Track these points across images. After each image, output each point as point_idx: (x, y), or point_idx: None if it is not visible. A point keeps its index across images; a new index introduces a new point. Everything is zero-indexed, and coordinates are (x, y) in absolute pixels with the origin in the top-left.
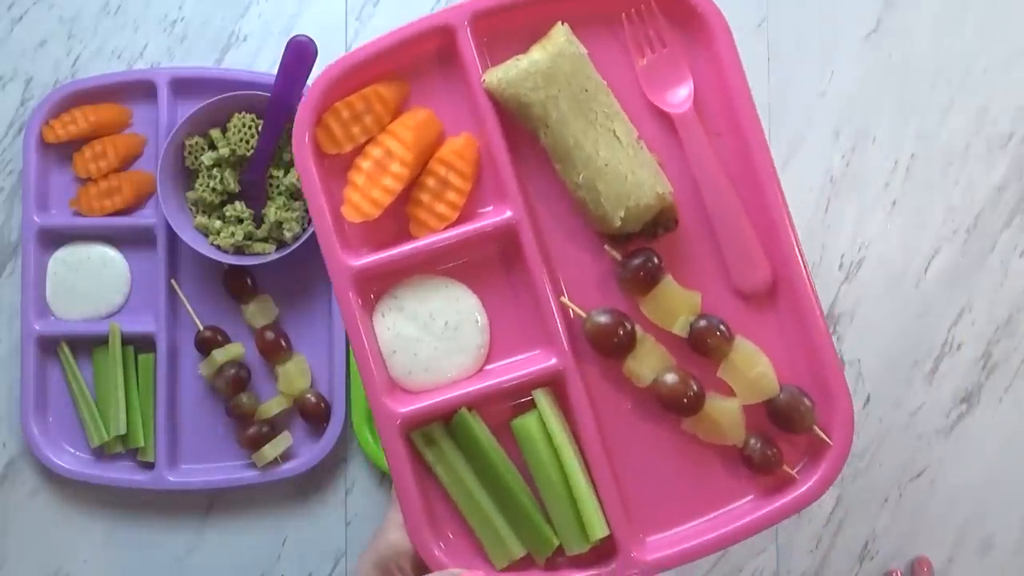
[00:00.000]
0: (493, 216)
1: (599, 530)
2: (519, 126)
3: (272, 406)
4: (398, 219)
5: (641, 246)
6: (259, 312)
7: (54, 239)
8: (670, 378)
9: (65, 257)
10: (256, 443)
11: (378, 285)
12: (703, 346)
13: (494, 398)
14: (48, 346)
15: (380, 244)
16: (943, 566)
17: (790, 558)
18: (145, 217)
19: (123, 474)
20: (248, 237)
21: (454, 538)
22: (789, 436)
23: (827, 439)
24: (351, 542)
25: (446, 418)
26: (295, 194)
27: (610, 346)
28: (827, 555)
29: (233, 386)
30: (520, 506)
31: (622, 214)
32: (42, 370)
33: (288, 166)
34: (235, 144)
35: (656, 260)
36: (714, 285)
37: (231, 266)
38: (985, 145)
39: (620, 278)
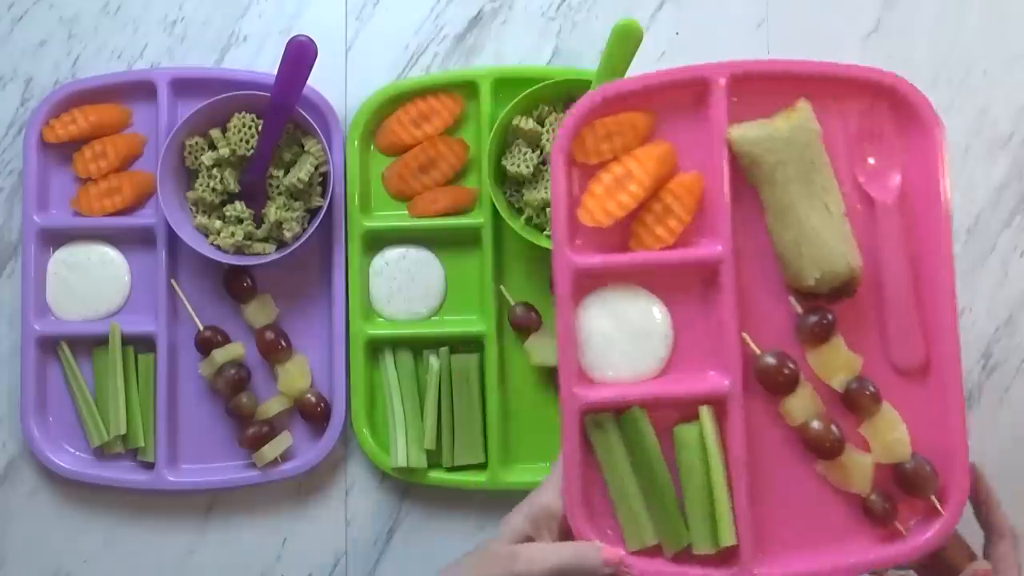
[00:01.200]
0: (703, 249)
1: (729, 538)
2: (743, 176)
3: (272, 406)
4: (621, 231)
5: (820, 305)
6: (259, 312)
7: (54, 239)
8: (817, 424)
9: (65, 257)
10: (256, 443)
11: (590, 282)
12: (853, 404)
13: (664, 403)
14: (48, 346)
15: (601, 248)
16: None
17: None
18: (145, 217)
19: (123, 474)
20: (248, 237)
21: (599, 513)
22: (908, 497)
23: (940, 510)
24: (351, 542)
25: (619, 410)
26: (295, 194)
27: (774, 384)
28: None
29: (233, 386)
30: (664, 500)
31: (817, 276)
32: (42, 370)
33: (288, 166)
34: (235, 144)
35: (830, 319)
36: (873, 352)
37: (231, 266)
38: (985, 145)
39: (797, 327)
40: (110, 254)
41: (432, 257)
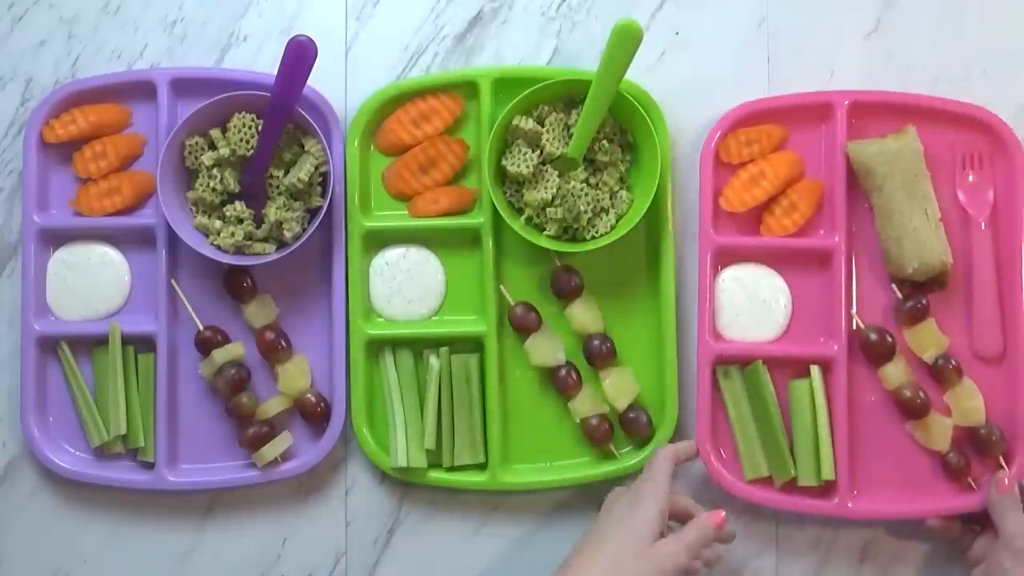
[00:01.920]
0: (821, 239)
1: (829, 473)
2: (857, 182)
3: (272, 406)
4: (754, 218)
5: (916, 292)
6: (259, 312)
7: (54, 239)
8: (908, 390)
9: (65, 257)
10: (256, 443)
11: (725, 258)
12: (939, 376)
13: (781, 361)
14: (48, 346)
15: (736, 230)
16: None
17: (790, 558)
18: (145, 217)
19: (123, 474)
20: (248, 237)
21: (722, 447)
22: (980, 458)
23: (1006, 468)
24: (351, 542)
25: (744, 364)
26: (295, 194)
27: (874, 354)
28: (827, 556)
29: (233, 386)
30: (776, 440)
31: (915, 266)
32: (42, 370)
33: (288, 166)
34: (235, 144)
35: (924, 303)
36: (959, 337)
37: (231, 266)
38: None
39: (896, 309)
40: (110, 254)
41: (432, 257)
